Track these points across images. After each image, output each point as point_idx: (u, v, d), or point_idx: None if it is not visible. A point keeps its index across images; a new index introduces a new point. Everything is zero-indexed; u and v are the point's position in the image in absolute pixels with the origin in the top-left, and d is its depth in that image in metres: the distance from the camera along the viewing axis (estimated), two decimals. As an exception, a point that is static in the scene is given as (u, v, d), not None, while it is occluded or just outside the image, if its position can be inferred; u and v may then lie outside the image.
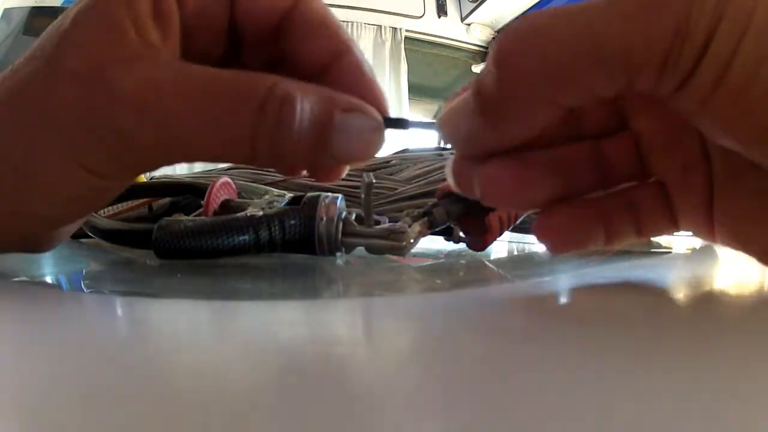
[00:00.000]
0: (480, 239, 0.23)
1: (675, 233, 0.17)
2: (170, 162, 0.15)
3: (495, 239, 0.23)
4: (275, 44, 0.16)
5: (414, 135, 0.18)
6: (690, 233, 0.17)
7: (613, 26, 0.12)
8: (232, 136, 0.13)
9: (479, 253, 0.28)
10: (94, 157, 0.14)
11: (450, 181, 0.16)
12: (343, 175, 0.17)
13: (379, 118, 0.15)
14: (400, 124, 0.16)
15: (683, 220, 0.16)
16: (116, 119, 0.13)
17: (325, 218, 0.21)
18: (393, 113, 0.16)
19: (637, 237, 0.17)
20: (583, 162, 0.16)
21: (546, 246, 0.16)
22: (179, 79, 0.13)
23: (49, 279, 0.22)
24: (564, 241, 0.16)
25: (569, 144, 0.16)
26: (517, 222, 0.24)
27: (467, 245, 0.25)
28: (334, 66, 0.16)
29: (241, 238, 0.21)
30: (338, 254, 0.22)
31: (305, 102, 0.14)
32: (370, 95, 0.16)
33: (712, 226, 0.16)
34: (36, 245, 0.18)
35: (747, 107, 0.12)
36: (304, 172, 0.17)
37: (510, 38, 0.13)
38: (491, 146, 0.14)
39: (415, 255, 0.24)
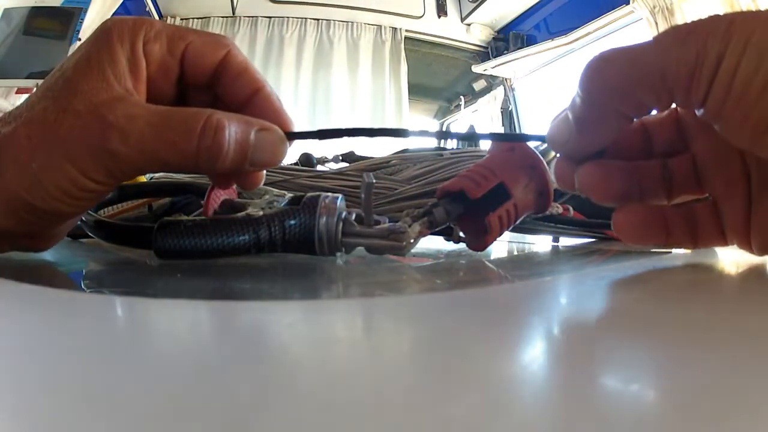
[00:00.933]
0: (480, 239, 0.23)
1: (724, 247, 0.21)
2: (146, 171, 0.21)
3: (495, 239, 0.23)
4: (212, 87, 0.22)
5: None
6: (735, 245, 0.21)
7: (653, 56, 0.17)
8: (183, 152, 0.19)
9: (479, 253, 0.28)
10: (92, 168, 0.19)
11: (554, 179, 0.22)
12: (261, 183, 0.23)
13: (282, 133, 0.21)
14: (302, 135, 0.22)
15: (729, 232, 0.20)
16: (107, 142, 0.18)
17: (325, 218, 0.21)
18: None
19: (692, 246, 0.22)
20: (653, 172, 0.21)
21: (618, 234, 0.21)
22: (148, 114, 0.19)
23: (49, 279, 0.22)
24: (631, 233, 0.21)
25: (644, 159, 0.21)
26: (517, 222, 0.24)
27: (467, 245, 0.25)
28: (253, 99, 0.22)
29: (241, 238, 0.21)
30: (338, 254, 0.22)
31: (231, 126, 0.20)
32: (279, 118, 0.22)
33: (749, 235, 0.19)
34: (41, 241, 0.22)
35: (747, 109, 0.16)
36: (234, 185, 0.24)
37: (588, 66, 0.18)
38: (583, 149, 0.20)
39: (415, 255, 0.24)
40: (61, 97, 0.19)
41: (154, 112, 0.19)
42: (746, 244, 0.20)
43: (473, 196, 0.22)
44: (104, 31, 0.20)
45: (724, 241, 0.21)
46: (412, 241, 0.22)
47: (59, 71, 0.20)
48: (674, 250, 0.36)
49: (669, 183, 0.21)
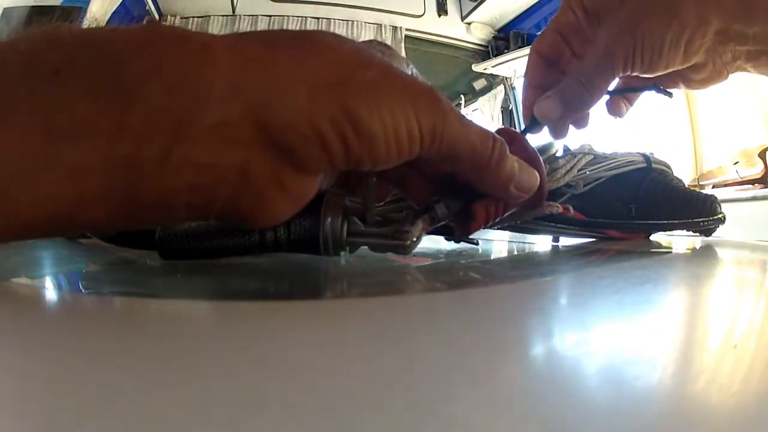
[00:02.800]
0: (465, 226, 0.24)
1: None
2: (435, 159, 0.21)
3: (479, 228, 0.24)
4: None
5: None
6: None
7: None
8: (484, 147, 0.20)
9: (479, 252, 0.28)
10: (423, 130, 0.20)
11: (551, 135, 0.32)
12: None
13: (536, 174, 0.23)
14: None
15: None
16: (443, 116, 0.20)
17: (330, 219, 0.21)
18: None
19: None
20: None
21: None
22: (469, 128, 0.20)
23: (48, 279, 0.22)
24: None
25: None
26: (505, 215, 0.24)
27: (453, 235, 0.25)
28: None
29: (247, 238, 0.21)
30: (342, 253, 0.23)
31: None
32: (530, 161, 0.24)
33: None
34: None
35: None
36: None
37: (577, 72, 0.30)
38: (568, 121, 0.31)
39: (415, 255, 0.24)
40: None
41: (471, 128, 0.20)
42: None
43: (461, 182, 0.22)
44: None
45: None
46: (415, 239, 0.22)
47: None
48: (674, 250, 0.36)
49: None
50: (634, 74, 0.28)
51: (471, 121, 0.20)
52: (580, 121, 0.33)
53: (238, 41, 0.17)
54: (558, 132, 0.33)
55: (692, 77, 0.30)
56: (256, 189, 0.17)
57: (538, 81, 0.32)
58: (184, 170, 0.15)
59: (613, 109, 0.33)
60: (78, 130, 0.14)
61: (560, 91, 0.29)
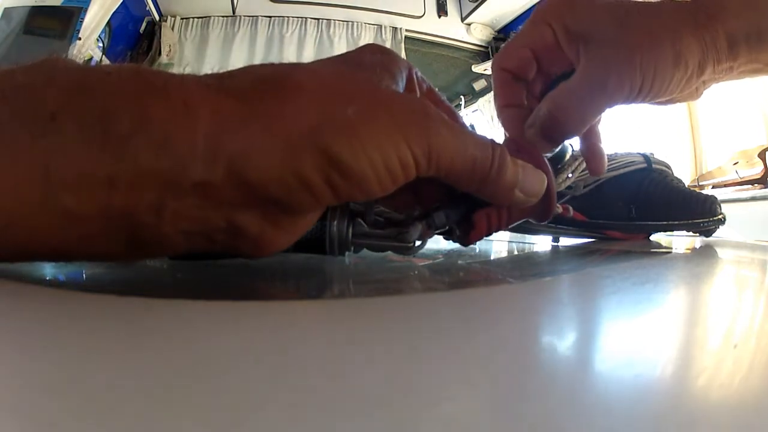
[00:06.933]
0: (464, 235, 0.24)
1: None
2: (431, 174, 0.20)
3: (480, 238, 0.23)
4: None
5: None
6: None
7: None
8: (482, 159, 0.20)
9: (480, 253, 0.28)
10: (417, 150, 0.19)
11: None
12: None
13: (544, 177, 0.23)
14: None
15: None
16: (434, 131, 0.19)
17: (336, 220, 0.21)
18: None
19: None
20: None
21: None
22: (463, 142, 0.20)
23: (48, 279, 0.22)
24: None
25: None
26: (510, 226, 0.24)
27: (456, 239, 0.25)
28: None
29: None
30: (346, 253, 0.23)
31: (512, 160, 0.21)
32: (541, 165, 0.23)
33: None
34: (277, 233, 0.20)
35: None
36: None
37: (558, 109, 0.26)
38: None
39: (415, 255, 0.24)
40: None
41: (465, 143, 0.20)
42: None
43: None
44: None
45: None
46: (418, 242, 0.22)
47: None
48: (674, 250, 0.36)
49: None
50: (626, 103, 0.25)
51: (467, 130, 0.20)
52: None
53: (217, 94, 0.16)
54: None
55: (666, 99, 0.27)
56: (249, 234, 0.17)
57: (510, 100, 0.29)
58: (178, 221, 0.16)
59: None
60: (75, 179, 0.15)
61: (542, 119, 0.26)
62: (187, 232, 0.16)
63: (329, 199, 0.17)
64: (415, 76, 0.22)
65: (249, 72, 0.18)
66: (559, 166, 0.32)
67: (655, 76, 0.24)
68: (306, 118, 0.16)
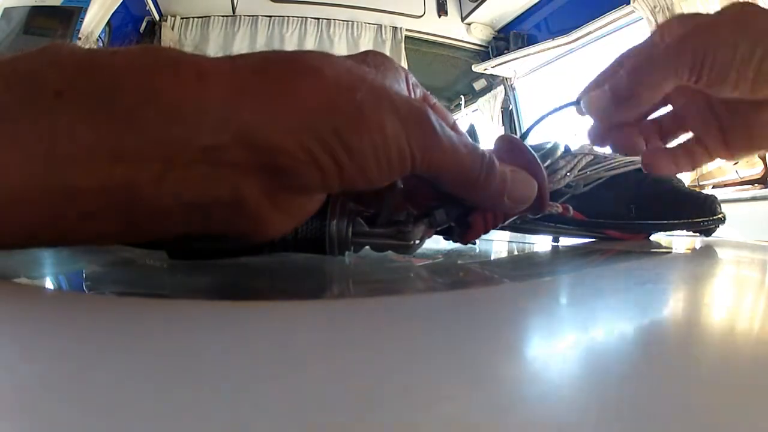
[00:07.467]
0: (462, 234, 0.24)
1: (710, 162, 0.31)
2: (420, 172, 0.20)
3: (477, 237, 0.24)
4: None
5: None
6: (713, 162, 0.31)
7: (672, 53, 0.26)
8: (472, 165, 0.20)
9: (479, 253, 0.28)
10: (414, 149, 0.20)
11: (589, 138, 0.31)
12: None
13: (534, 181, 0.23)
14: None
15: (713, 152, 0.30)
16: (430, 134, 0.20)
17: (336, 220, 0.21)
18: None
19: (695, 167, 0.31)
20: (651, 125, 0.32)
21: (654, 166, 0.31)
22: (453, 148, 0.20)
23: (49, 279, 0.22)
24: (660, 164, 0.31)
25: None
26: (505, 223, 0.24)
27: (455, 238, 0.25)
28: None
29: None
30: (346, 253, 0.23)
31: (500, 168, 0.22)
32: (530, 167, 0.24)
33: (729, 149, 0.29)
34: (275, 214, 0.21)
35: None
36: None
37: (632, 64, 0.27)
38: (617, 119, 0.29)
39: (415, 255, 0.24)
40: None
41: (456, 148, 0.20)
42: (728, 156, 0.30)
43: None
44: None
45: (711, 158, 0.30)
46: (418, 241, 0.22)
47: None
48: (674, 250, 0.36)
49: (660, 130, 0.32)
50: (697, 85, 0.26)
51: (462, 138, 0.20)
52: (623, 139, 0.31)
53: (231, 68, 0.17)
54: (599, 137, 0.31)
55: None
56: (248, 209, 0.17)
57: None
58: (178, 192, 0.16)
59: (626, 145, 0.32)
60: (78, 155, 0.15)
61: (614, 80, 0.28)
62: (187, 205, 0.16)
63: (332, 179, 0.17)
64: (410, 83, 0.22)
65: (261, 54, 0.18)
66: (550, 162, 0.32)
67: (718, 53, 0.26)
68: (319, 95, 0.17)
